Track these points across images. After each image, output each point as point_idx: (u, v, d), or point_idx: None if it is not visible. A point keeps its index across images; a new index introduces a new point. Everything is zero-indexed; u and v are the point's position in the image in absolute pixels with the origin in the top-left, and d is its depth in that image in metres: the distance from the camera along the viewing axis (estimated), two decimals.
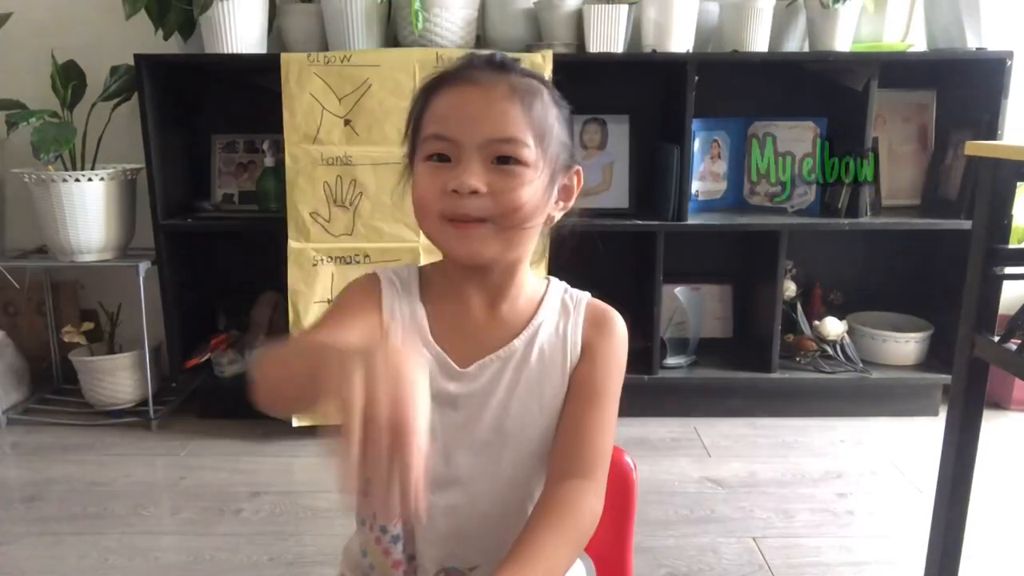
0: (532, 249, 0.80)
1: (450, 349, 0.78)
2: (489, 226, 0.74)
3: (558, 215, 0.81)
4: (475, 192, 0.72)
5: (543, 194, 0.76)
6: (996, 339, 1.21)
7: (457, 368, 0.78)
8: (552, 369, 0.79)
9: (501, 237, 0.75)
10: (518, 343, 0.79)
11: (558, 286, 0.85)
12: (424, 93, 0.77)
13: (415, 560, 0.80)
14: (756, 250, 2.38)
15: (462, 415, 0.78)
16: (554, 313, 0.82)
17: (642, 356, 2.28)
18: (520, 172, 0.73)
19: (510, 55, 0.80)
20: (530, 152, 0.73)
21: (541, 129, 0.74)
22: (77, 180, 2.10)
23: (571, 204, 0.82)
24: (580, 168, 0.81)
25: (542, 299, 0.82)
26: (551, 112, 0.76)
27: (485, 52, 0.78)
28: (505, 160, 0.73)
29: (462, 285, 0.80)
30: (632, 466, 0.96)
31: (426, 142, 0.75)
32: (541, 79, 0.78)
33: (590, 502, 0.75)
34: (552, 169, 0.76)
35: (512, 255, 0.78)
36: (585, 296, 0.84)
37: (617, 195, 2.30)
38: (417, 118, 0.78)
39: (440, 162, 0.74)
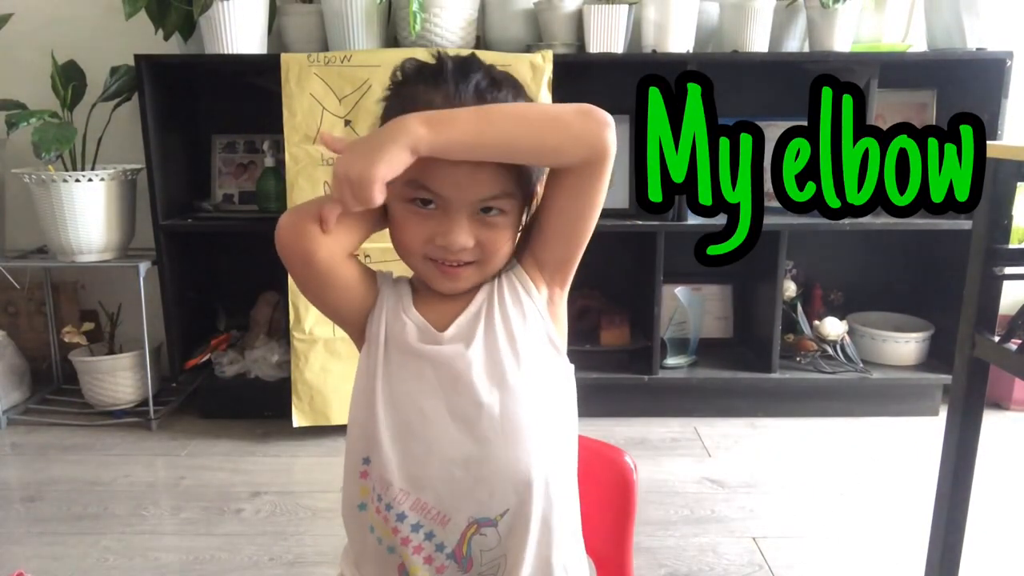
0: None
1: (429, 315, 0.82)
2: (473, 267, 0.79)
3: (526, 218, 0.84)
4: (466, 248, 0.77)
5: (520, 222, 0.81)
6: (996, 339, 1.21)
7: (436, 332, 0.81)
8: (518, 297, 0.82)
9: (482, 272, 0.81)
10: (482, 295, 0.82)
11: None
12: (402, 109, 0.75)
13: (435, 535, 0.80)
14: (756, 250, 2.37)
15: (456, 368, 0.79)
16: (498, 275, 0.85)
17: (642, 356, 2.28)
18: (503, 220, 0.78)
19: (481, 56, 0.80)
20: (512, 198, 0.77)
21: (523, 168, 0.77)
22: (77, 180, 2.10)
23: (534, 206, 0.84)
24: (543, 174, 0.83)
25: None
26: None
27: (462, 64, 0.78)
28: (488, 210, 0.77)
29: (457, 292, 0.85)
30: (632, 466, 0.96)
31: (407, 184, 0.75)
32: (514, 90, 0.80)
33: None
34: (530, 195, 0.80)
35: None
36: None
37: (617, 195, 2.30)
38: None
39: (423, 207, 0.76)
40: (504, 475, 0.79)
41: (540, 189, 0.82)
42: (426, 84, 0.77)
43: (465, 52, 0.81)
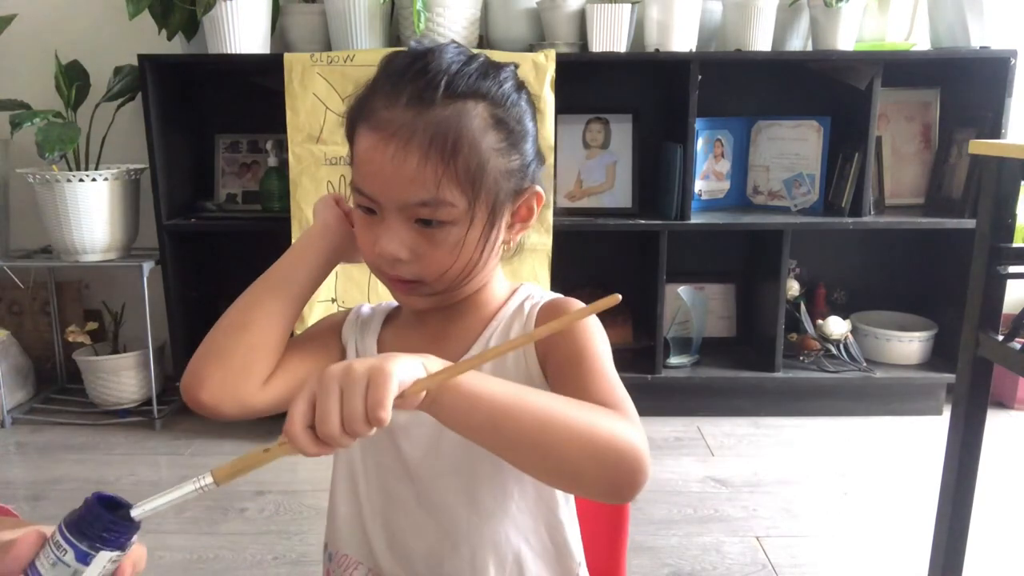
0: (492, 271, 0.76)
1: None
2: (421, 287, 0.71)
3: (517, 238, 0.76)
4: (398, 259, 0.69)
5: (480, 241, 0.70)
6: (1000, 338, 1.21)
7: None
8: (506, 376, 0.72)
9: (437, 295, 0.72)
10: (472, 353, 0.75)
11: (523, 292, 0.79)
12: (352, 116, 0.71)
13: None
14: (759, 249, 2.38)
15: (422, 444, 0.74)
16: (508, 320, 0.76)
17: (645, 355, 2.28)
18: (444, 233, 0.68)
19: (453, 45, 0.70)
20: (455, 209, 0.67)
21: (470, 174, 0.67)
22: (81, 180, 2.11)
23: (531, 223, 0.75)
24: (540, 189, 0.74)
25: (500, 308, 0.77)
26: (485, 143, 0.68)
27: (417, 57, 0.68)
28: (427, 222, 0.68)
29: (422, 309, 0.77)
30: None
31: (353, 189, 0.71)
32: (478, 91, 0.68)
33: (617, 416, 0.63)
34: (491, 207, 0.69)
35: (460, 296, 0.75)
36: (547, 297, 0.77)
37: (620, 194, 2.30)
38: (349, 138, 0.72)
39: (368, 214, 0.70)
40: (460, 557, 0.75)
41: (534, 202, 0.74)
42: (365, 99, 0.70)
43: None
